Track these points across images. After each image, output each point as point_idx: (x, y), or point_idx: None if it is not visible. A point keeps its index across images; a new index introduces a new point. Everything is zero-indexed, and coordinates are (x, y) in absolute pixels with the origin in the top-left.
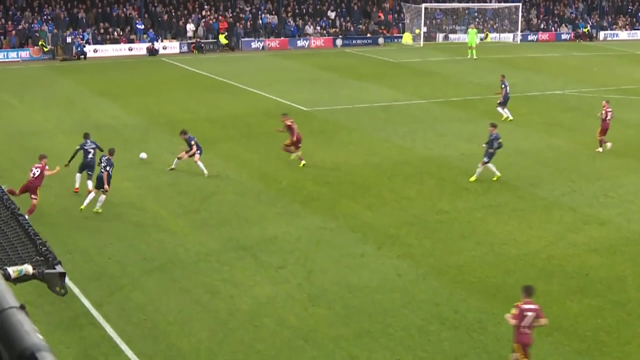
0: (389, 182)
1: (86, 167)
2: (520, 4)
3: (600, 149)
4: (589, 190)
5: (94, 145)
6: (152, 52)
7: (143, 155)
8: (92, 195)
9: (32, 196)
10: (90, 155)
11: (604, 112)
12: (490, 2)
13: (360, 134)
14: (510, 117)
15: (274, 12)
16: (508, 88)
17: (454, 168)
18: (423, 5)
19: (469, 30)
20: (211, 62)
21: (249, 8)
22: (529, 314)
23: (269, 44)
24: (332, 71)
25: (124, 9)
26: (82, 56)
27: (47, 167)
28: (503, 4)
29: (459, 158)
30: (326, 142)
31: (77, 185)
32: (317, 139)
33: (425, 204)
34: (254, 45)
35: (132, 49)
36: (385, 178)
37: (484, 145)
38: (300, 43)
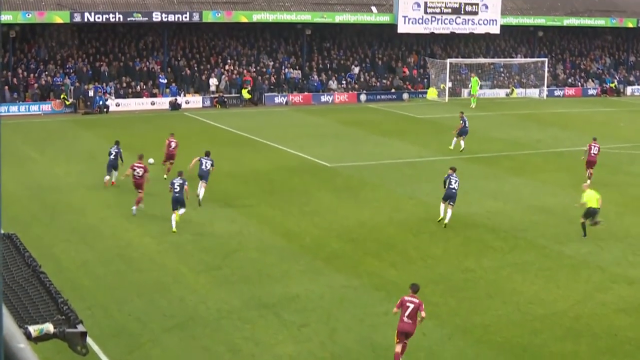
0: (414, 239)
1: (109, 165)
2: (547, 59)
3: (589, 182)
4: (617, 248)
5: (117, 151)
6: (175, 106)
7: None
8: (177, 215)
9: (139, 190)
10: (111, 157)
11: (587, 147)
12: (516, 57)
13: (385, 191)
14: (462, 148)
15: (297, 67)
16: (467, 123)
17: (479, 226)
18: (448, 61)
19: (472, 78)
20: (234, 117)
21: (273, 63)
22: (410, 305)
23: (292, 99)
24: (356, 127)
25: (147, 63)
26: (105, 110)
27: (147, 168)
28: (529, 59)
29: (484, 215)
30: (350, 198)
31: (106, 179)
32: (341, 195)
33: (450, 262)
34: (277, 100)
35: (154, 103)
36: (411, 235)
37: (454, 188)
38: (324, 98)
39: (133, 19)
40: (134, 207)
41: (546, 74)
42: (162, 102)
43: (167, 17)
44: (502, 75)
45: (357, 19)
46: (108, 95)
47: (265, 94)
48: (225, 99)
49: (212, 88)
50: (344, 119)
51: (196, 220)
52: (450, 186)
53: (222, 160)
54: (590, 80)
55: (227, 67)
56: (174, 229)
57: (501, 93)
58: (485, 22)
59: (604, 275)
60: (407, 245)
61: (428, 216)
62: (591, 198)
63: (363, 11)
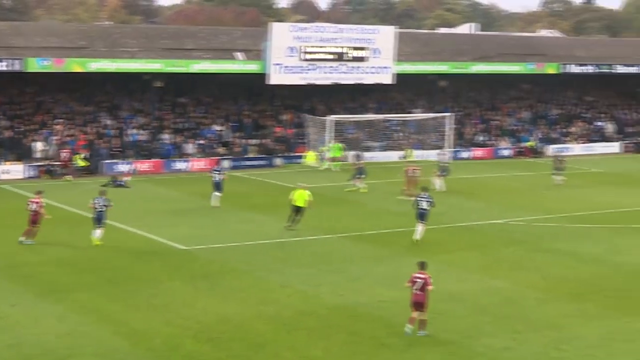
0: (288, 337)
1: (215, 187)
2: (451, 114)
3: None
4: (538, 342)
5: (220, 172)
6: None
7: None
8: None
9: (36, 225)
10: (216, 179)
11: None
12: (414, 112)
13: (253, 278)
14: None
15: (145, 127)
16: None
17: (370, 320)
18: (330, 118)
19: (333, 145)
20: (65, 190)
21: (114, 122)
22: (419, 280)
23: (138, 167)
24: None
25: None
26: None
27: (42, 204)
28: (429, 114)
29: (376, 306)
30: (210, 288)
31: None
32: (198, 284)
33: None
34: (119, 168)
35: None
36: (284, 333)
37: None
38: (177, 165)
39: None
40: (23, 238)
41: (450, 132)
42: None
43: None
44: (398, 134)
45: (218, 68)
46: None
47: (105, 161)
48: (55, 168)
49: (38, 154)
50: (202, 191)
51: (15, 318)
52: (420, 207)
53: (49, 245)
54: (504, 138)
55: (57, 127)
56: (98, 241)
57: (395, 156)
58: (376, 70)
59: None
60: (280, 345)
61: (305, 309)
62: (299, 197)
63: (226, 58)
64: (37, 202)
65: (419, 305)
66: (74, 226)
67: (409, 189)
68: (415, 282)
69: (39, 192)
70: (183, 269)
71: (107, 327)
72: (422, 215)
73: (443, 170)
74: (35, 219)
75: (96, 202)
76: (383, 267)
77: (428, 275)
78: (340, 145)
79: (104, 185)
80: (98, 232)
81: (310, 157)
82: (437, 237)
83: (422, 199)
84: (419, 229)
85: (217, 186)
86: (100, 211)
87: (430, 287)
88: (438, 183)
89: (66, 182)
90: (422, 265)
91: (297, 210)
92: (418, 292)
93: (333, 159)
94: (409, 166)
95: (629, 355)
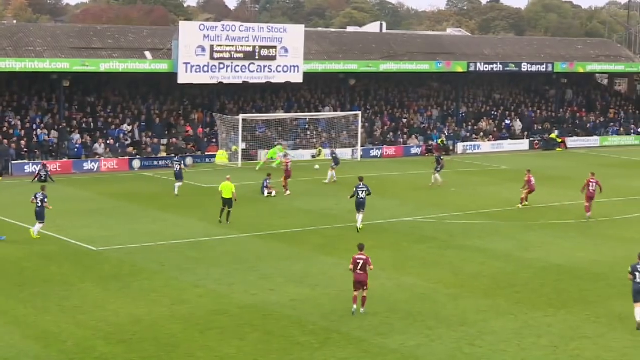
0: (201, 337)
1: (175, 176)
2: (360, 113)
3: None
4: (451, 338)
5: (179, 162)
6: None
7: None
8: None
9: None
10: (176, 168)
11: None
12: (324, 111)
13: (165, 279)
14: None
15: (53, 127)
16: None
17: (282, 318)
18: (241, 117)
19: (278, 146)
20: None
21: (21, 122)
22: (360, 261)
23: (47, 167)
24: (128, 200)
25: None
26: None
27: None
28: (339, 113)
29: (288, 305)
30: (122, 289)
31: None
32: (110, 285)
33: None
34: (28, 169)
35: None
36: (197, 333)
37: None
38: (87, 165)
39: None
40: None
41: (360, 131)
42: None
43: None
44: (308, 132)
45: (127, 67)
46: None
47: (13, 162)
48: None
49: None
50: (113, 191)
51: None
52: (359, 197)
53: None
54: (413, 136)
55: None
56: (36, 235)
57: (306, 155)
58: (286, 69)
59: None
60: (193, 345)
61: (218, 308)
62: (226, 189)
63: (135, 57)
64: None
65: (361, 284)
66: None
67: (285, 181)
68: (358, 263)
69: None
70: (94, 270)
71: (17, 330)
72: (361, 205)
73: (336, 162)
74: None
75: (37, 197)
76: (295, 265)
77: (367, 256)
78: (280, 146)
79: (32, 181)
80: (37, 227)
81: (221, 157)
82: (349, 236)
83: (360, 189)
84: (359, 218)
85: (177, 175)
86: (40, 206)
87: (370, 267)
88: (332, 174)
89: None
90: (361, 247)
91: (226, 202)
92: (360, 272)
93: (272, 159)
94: (286, 160)
95: (539, 349)
